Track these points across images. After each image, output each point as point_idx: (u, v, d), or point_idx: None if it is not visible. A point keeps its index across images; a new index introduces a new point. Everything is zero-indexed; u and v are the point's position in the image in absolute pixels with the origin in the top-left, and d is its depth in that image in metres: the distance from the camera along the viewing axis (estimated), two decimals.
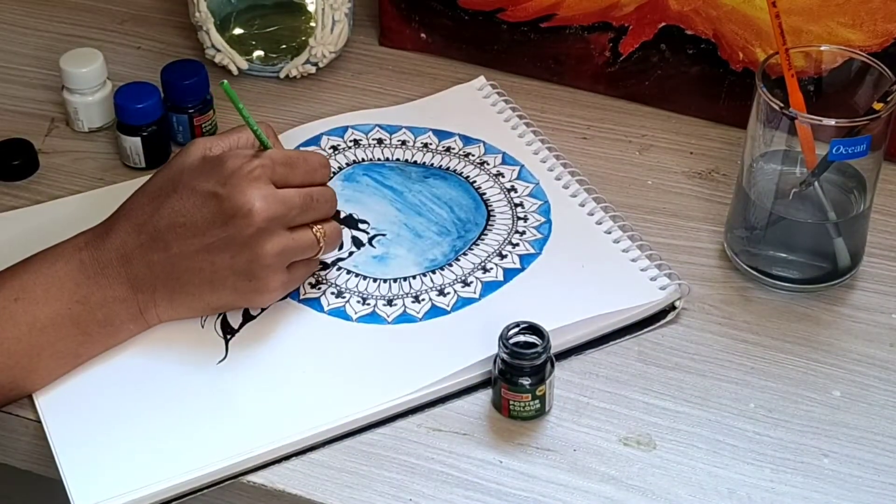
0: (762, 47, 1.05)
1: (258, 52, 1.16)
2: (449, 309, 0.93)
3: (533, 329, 0.86)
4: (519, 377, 0.85)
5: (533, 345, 0.85)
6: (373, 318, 0.92)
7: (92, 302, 0.86)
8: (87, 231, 0.89)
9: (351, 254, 0.97)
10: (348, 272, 0.96)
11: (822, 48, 0.95)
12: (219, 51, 1.14)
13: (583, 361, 0.91)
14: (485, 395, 0.88)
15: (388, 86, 1.15)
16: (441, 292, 0.94)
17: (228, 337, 0.91)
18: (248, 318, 0.92)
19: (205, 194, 0.86)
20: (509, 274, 0.95)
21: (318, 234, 0.89)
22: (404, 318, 0.92)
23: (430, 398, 0.88)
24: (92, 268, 0.86)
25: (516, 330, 0.86)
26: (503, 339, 0.85)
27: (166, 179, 0.88)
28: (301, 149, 1.01)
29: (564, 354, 0.91)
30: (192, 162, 0.88)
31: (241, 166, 0.86)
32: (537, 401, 0.86)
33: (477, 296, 0.94)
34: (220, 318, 0.92)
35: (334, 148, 1.07)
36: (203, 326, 0.91)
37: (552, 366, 0.86)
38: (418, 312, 0.93)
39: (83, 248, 0.87)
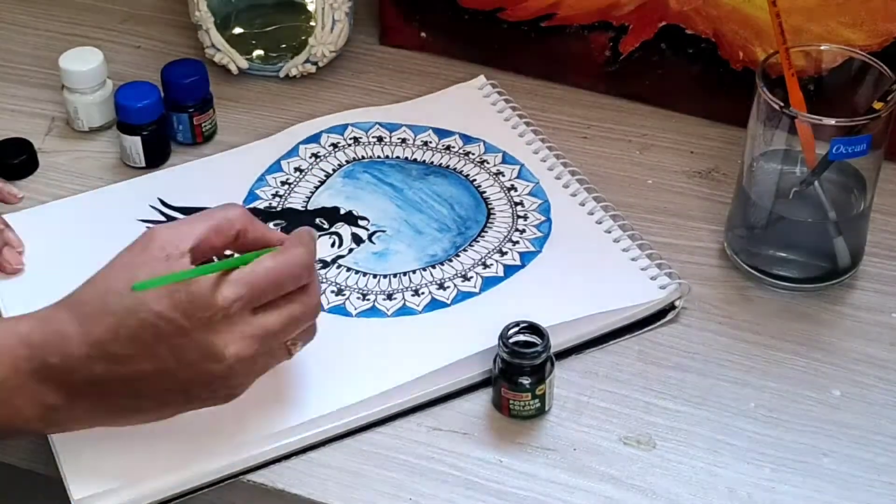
0: (762, 46, 1.05)
1: (258, 52, 1.16)
2: (449, 302, 0.93)
3: (533, 328, 0.86)
4: (519, 376, 0.85)
5: (533, 344, 0.85)
6: (373, 312, 0.93)
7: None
8: (29, 318, 0.79)
9: (351, 251, 0.98)
10: (348, 269, 0.96)
11: (822, 47, 0.96)
12: (219, 50, 1.14)
13: (583, 361, 0.91)
14: (485, 395, 0.88)
15: (389, 85, 1.15)
16: (441, 286, 0.94)
17: None
18: None
19: (167, 321, 0.75)
20: (510, 270, 0.96)
21: (292, 347, 0.81)
22: (404, 310, 0.93)
23: (430, 397, 0.88)
24: (29, 365, 0.77)
25: (516, 329, 0.86)
26: (503, 338, 0.85)
27: (127, 287, 0.75)
28: (287, 232, 0.84)
29: (564, 354, 0.91)
30: (154, 267, 0.76)
31: (214, 300, 0.75)
32: (537, 400, 0.86)
33: (477, 290, 0.94)
34: None
35: (334, 145, 1.07)
36: None
37: (552, 365, 0.86)
38: (418, 305, 0.93)
39: (23, 338, 0.77)
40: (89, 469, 0.82)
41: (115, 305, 0.76)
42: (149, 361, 0.76)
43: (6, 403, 0.77)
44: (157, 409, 0.80)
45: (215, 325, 0.76)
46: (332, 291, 0.94)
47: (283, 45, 1.17)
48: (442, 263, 0.96)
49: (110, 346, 0.76)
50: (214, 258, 0.80)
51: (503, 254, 0.97)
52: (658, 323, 0.93)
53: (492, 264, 0.96)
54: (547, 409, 0.87)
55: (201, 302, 0.75)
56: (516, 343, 0.86)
